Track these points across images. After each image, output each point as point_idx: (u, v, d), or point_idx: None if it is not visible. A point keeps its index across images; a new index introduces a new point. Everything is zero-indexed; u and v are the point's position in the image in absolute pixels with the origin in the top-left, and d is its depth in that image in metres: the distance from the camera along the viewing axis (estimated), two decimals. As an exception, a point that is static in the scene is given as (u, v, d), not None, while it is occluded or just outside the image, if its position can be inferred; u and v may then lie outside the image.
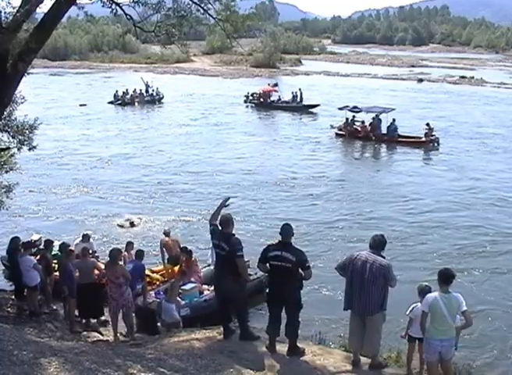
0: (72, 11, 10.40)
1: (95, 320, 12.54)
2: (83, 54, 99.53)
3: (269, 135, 38.86)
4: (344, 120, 37.46)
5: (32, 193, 24.47)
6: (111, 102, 50.37)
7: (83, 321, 12.38)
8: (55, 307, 13.09)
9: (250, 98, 51.81)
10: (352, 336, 8.90)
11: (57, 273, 12.87)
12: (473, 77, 78.40)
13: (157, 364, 8.60)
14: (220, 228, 9.29)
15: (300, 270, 8.72)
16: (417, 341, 9.01)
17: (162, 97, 52.74)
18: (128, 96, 50.89)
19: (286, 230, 8.87)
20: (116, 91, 51.02)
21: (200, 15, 12.02)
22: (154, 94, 52.61)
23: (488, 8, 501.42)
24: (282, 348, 9.19)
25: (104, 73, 78.62)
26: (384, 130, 36.27)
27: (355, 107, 37.77)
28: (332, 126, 38.70)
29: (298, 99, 49.30)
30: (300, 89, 49.61)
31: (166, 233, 15.62)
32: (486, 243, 19.39)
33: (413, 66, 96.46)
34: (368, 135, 36.39)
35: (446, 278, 7.99)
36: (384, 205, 23.65)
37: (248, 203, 23.34)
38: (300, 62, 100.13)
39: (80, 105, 48.42)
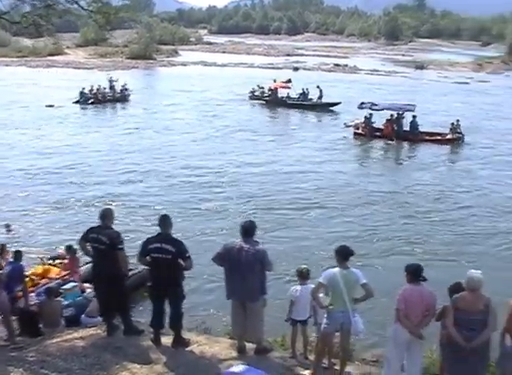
0: None
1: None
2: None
3: (286, 137, 35.30)
4: (363, 119, 34.99)
5: None
6: (77, 101, 45.20)
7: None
8: None
9: (257, 94, 48.14)
10: (235, 323, 9.01)
11: None
12: (347, 65, 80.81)
13: (40, 366, 8.42)
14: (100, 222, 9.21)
15: (180, 261, 8.77)
16: (299, 324, 9.21)
17: (130, 94, 48.18)
18: (100, 94, 46.36)
19: (165, 222, 8.87)
20: (83, 89, 45.95)
21: (70, 5, 11.75)
22: (123, 90, 47.81)
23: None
24: (167, 340, 9.21)
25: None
26: (406, 128, 34.23)
27: (374, 104, 35.58)
28: (346, 125, 36.75)
29: (310, 96, 45.77)
30: (318, 86, 45.81)
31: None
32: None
33: (288, 55, 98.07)
34: (390, 134, 34.08)
35: (344, 254, 8.18)
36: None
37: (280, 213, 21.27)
38: (177, 52, 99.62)
39: (47, 106, 43.17)
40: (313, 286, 8.78)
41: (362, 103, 35.78)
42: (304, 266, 9.27)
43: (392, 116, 34.55)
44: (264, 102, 46.94)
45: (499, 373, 8.08)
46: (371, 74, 71.55)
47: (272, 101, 46.48)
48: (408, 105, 35.70)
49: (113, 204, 20.77)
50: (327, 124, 39.45)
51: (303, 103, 45.40)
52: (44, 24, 11.52)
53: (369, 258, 16.71)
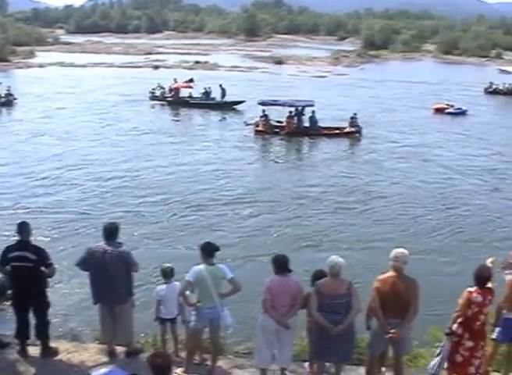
0: None
1: None
2: None
3: (194, 137, 34.40)
4: (263, 116, 34.90)
5: None
6: None
7: None
8: None
9: (157, 94, 46.40)
10: (104, 327, 8.94)
11: None
12: (207, 62, 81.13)
13: None
14: None
15: (43, 269, 8.55)
16: (168, 323, 9.24)
17: (15, 98, 44.82)
18: None
19: (24, 229, 8.62)
20: None
21: None
22: (8, 94, 44.42)
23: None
24: (35, 351, 8.97)
25: None
26: (306, 124, 34.92)
27: (274, 101, 36.01)
28: (246, 123, 36.32)
29: (212, 95, 45.12)
30: (220, 85, 45.26)
31: None
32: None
33: (149, 54, 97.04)
34: (292, 130, 34.41)
35: (209, 251, 8.26)
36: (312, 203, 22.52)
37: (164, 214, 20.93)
38: (34, 54, 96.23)
39: None
40: (178, 283, 8.84)
41: (262, 100, 36.25)
42: (168, 265, 9.29)
43: (291, 112, 35.11)
44: (165, 103, 45.84)
45: (369, 354, 8.45)
46: (232, 70, 72.29)
47: (174, 101, 45.55)
48: (308, 100, 36.53)
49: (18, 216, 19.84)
50: (231, 123, 39.37)
51: (206, 103, 44.88)
52: None
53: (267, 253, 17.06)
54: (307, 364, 8.87)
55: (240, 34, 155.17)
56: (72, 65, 77.75)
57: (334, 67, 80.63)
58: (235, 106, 44.33)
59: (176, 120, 41.38)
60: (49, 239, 17.87)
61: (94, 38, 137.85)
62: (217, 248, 8.35)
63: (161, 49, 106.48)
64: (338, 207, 22.12)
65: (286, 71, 73.74)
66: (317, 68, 78.08)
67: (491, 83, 58.28)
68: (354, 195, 23.65)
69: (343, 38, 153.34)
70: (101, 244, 8.57)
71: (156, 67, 75.18)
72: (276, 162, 29.98)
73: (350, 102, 46.24)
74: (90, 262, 8.53)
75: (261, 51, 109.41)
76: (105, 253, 8.42)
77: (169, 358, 5.78)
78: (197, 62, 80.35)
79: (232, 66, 75.79)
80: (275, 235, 19.08)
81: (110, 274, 8.40)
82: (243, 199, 22.84)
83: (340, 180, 25.83)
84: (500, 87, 58.06)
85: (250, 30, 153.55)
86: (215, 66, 76.73)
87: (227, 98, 45.16)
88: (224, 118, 41.42)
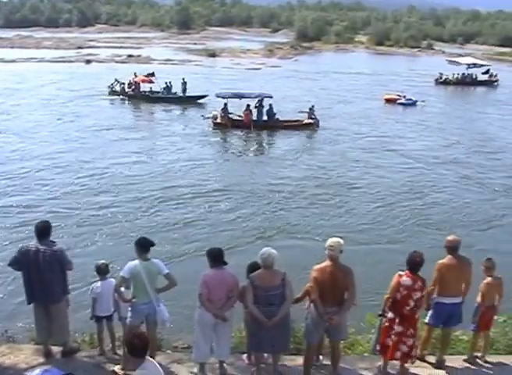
0: None
1: None
2: None
3: (157, 133, 34.30)
4: (221, 109, 34.99)
5: None
6: None
7: None
8: None
9: (117, 89, 45.51)
10: (39, 328, 8.78)
11: None
12: (140, 55, 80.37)
13: None
14: None
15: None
16: (104, 320, 9.13)
17: None
18: None
19: None
20: None
21: None
22: None
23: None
24: (-33, 356, 8.77)
25: None
26: (264, 117, 35.13)
27: (230, 93, 36.11)
28: (204, 117, 36.07)
29: (173, 90, 44.73)
30: (183, 79, 44.78)
31: None
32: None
33: (80, 48, 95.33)
34: (250, 123, 34.28)
35: (144, 246, 8.22)
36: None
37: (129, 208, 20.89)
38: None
39: None
40: (113, 280, 8.76)
41: (217, 93, 36.26)
42: (102, 261, 9.19)
43: (248, 105, 35.03)
44: (125, 98, 45.12)
45: (306, 343, 8.52)
46: (165, 64, 71.71)
47: (134, 95, 44.93)
48: (265, 93, 36.70)
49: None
50: (193, 117, 38.96)
51: (168, 97, 44.48)
52: None
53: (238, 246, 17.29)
54: (245, 356, 8.94)
55: (173, 27, 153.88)
56: (1, 60, 75.87)
57: (268, 59, 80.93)
58: (198, 100, 44.12)
59: (138, 115, 41.03)
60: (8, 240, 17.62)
61: (24, 33, 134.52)
62: (152, 244, 8.31)
63: (93, 43, 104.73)
64: (300, 198, 22.45)
65: (220, 64, 73.68)
66: (251, 60, 78.25)
67: (441, 74, 59.89)
68: (317, 186, 24.00)
69: (276, 30, 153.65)
70: (34, 243, 8.42)
71: (88, 61, 73.95)
72: (237, 155, 30.22)
73: (300, 95, 46.56)
74: (22, 262, 8.37)
75: (195, 44, 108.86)
76: (38, 252, 8.27)
77: (147, 339, 5.88)
78: (130, 56, 79.51)
79: (165, 60, 75.21)
80: (236, 229, 19.21)
81: (43, 273, 8.27)
82: (204, 194, 22.88)
83: (304, 173, 26.15)
84: (450, 78, 59.78)
85: (184, 23, 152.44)
86: (148, 60, 75.94)
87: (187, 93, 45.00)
88: (185, 112, 41.27)
